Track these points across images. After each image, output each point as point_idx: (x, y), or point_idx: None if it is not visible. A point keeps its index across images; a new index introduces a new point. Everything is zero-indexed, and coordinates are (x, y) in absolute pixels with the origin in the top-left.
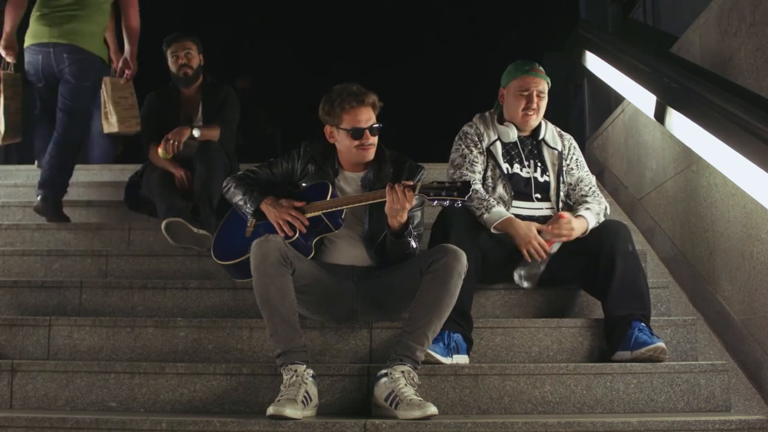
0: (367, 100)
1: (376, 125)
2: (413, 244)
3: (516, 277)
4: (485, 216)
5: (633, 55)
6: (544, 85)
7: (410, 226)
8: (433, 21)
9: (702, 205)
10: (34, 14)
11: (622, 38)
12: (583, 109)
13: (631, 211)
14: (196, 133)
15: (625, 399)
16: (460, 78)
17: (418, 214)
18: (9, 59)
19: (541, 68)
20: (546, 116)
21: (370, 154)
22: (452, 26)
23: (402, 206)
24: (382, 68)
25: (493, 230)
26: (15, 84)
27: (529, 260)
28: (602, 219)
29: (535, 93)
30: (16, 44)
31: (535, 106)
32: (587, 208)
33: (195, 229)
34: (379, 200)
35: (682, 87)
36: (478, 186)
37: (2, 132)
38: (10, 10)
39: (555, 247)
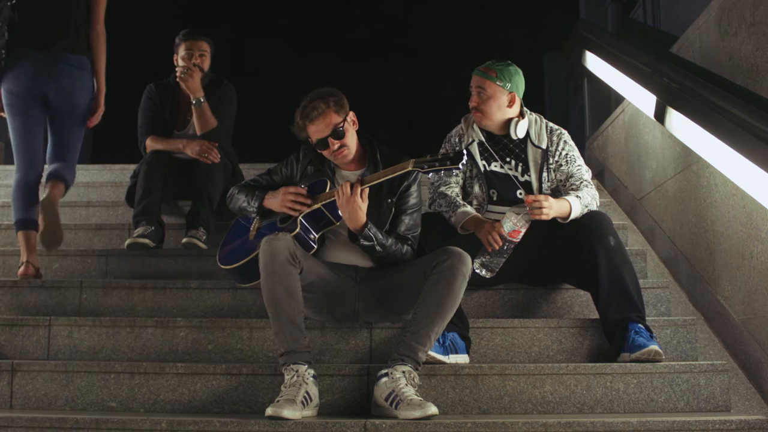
0: (313, 113)
1: (339, 127)
2: (378, 248)
3: (476, 265)
4: (452, 219)
5: (633, 55)
6: (483, 82)
7: (368, 230)
8: (433, 21)
9: (702, 205)
10: None
11: (622, 38)
12: (583, 109)
13: (631, 211)
14: (201, 100)
15: (625, 399)
16: (460, 78)
17: (406, 219)
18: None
19: (491, 66)
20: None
21: (346, 155)
22: (452, 26)
23: (348, 203)
24: (381, 68)
25: (460, 231)
26: None
27: (489, 248)
28: (592, 209)
29: (475, 91)
30: None
31: (473, 103)
32: (576, 196)
33: (153, 244)
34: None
35: (682, 87)
36: (451, 191)
37: None
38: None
39: (520, 235)
